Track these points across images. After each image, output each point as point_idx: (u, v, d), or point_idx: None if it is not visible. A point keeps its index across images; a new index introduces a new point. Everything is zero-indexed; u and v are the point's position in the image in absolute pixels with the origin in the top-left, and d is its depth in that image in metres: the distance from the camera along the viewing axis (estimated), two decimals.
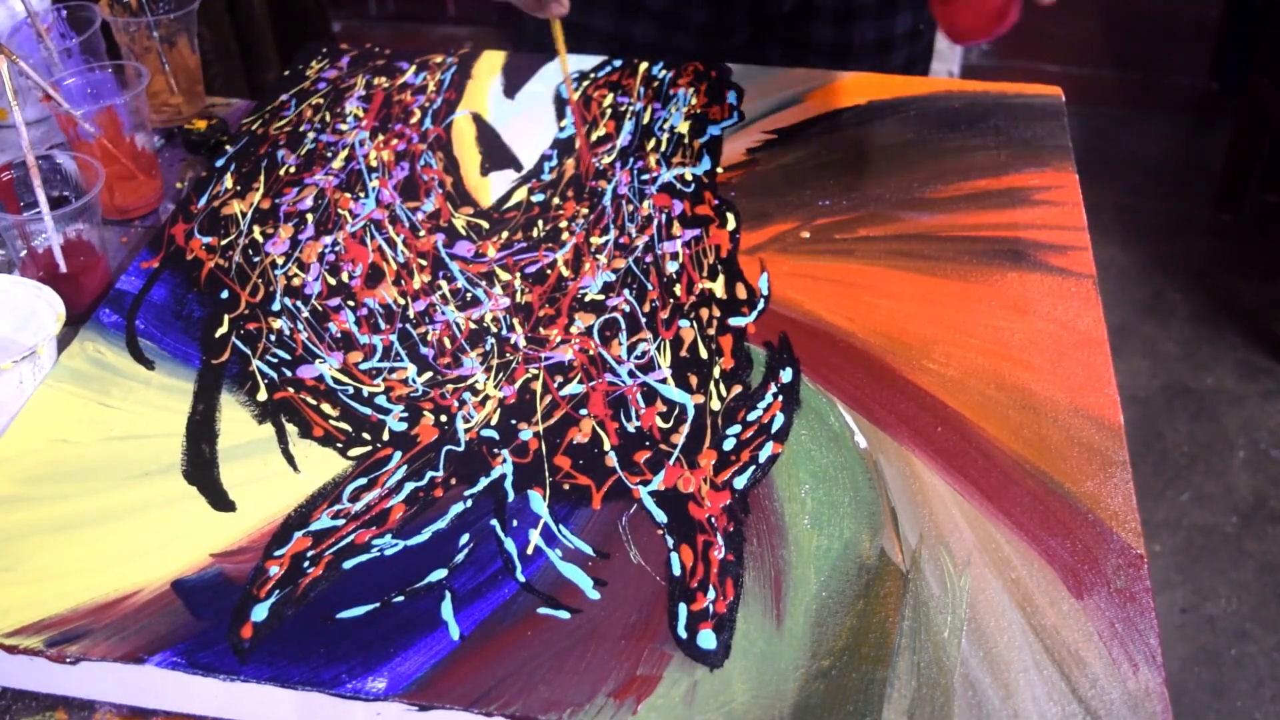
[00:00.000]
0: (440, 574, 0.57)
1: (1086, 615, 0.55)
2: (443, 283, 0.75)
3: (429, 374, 0.68)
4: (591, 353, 0.69)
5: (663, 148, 0.86)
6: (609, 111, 0.90)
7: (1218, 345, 1.96)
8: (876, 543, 0.59)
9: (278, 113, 0.91)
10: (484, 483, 0.62)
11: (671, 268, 0.75)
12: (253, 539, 0.59)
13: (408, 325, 0.72)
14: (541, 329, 0.71)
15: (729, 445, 0.64)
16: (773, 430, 0.64)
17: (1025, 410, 0.65)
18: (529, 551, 0.58)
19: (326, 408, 0.66)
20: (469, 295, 0.74)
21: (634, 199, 0.81)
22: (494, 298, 0.74)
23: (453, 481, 0.62)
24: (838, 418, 0.65)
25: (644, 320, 0.72)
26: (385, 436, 0.65)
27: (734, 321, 0.72)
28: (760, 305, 0.73)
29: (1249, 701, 1.46)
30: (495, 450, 0.64)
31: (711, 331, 0.71)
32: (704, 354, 0.69)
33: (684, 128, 0.88)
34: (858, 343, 0.70)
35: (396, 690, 0.52)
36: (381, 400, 0.67)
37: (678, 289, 0.74)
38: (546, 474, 0.62)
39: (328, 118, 0.90)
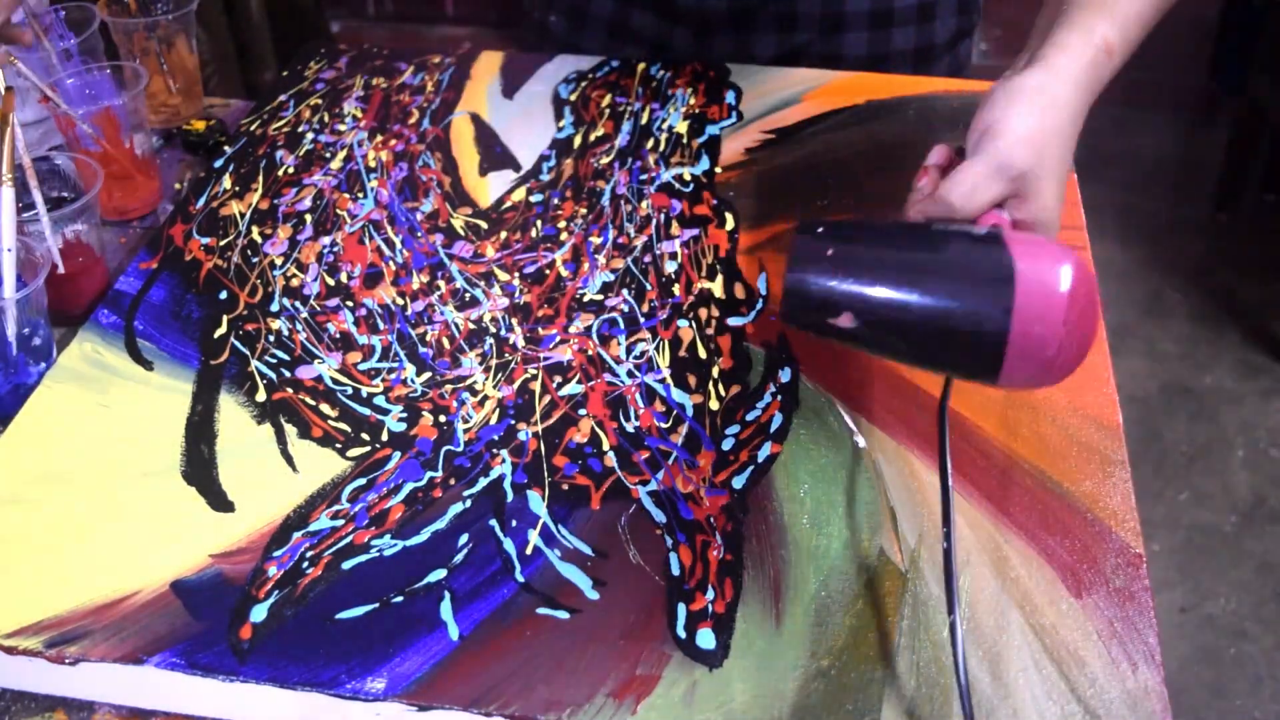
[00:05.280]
0: (439, 574, 0.57)
1: (1085, 614, 0.55)
2: (441, 283, 0.75)
3: (428, 374, 0.68)
4: (590, 353, 0.69)
5: (661, 148, 0.86)
6: (607, 112, 0.90)
7: (1216, 345, 1.96)
8: (875, 542, 0.59)
9: (276, 113, 0.91)
10: (483, 483, 0.62)
11: (670, 268, 0.75)
12: (252, 539, 0.59)
13: (406, 325, 0.72)
14: (540, 329, 0.71)
15: (728, 445, 0.64)
16: (771, 430, 0.64)
17: (1024, 410, 0.65)
18: (528, 551, 0.58)
19: (325, 408, 0.66)
20: (467, 295, 0.74)
21: (632, 199, 0.81)
22: (493, 298, 0.74)
23: (451, 482, 0.62)
24: (836, 417, 0.65)
25: (643, 320, 0.72)
26: (384, 437, 0.65)
27: (733, 321, 0.72)
28: (759, 305, 0.73)
29: (1248, 700, 1.46)
30: (494, 450, 0.64)
31: (710, 331, 0.71)
32: (703, 354, 0.69)
33: (682, 128, 0.88)
34: None
35: (396, 690, 0.52)
36: (380, 400, 0.67)
37: (676, 289, 0.74)
38: (545, 474, 0.62)
39: (326, 118, 0.90)
